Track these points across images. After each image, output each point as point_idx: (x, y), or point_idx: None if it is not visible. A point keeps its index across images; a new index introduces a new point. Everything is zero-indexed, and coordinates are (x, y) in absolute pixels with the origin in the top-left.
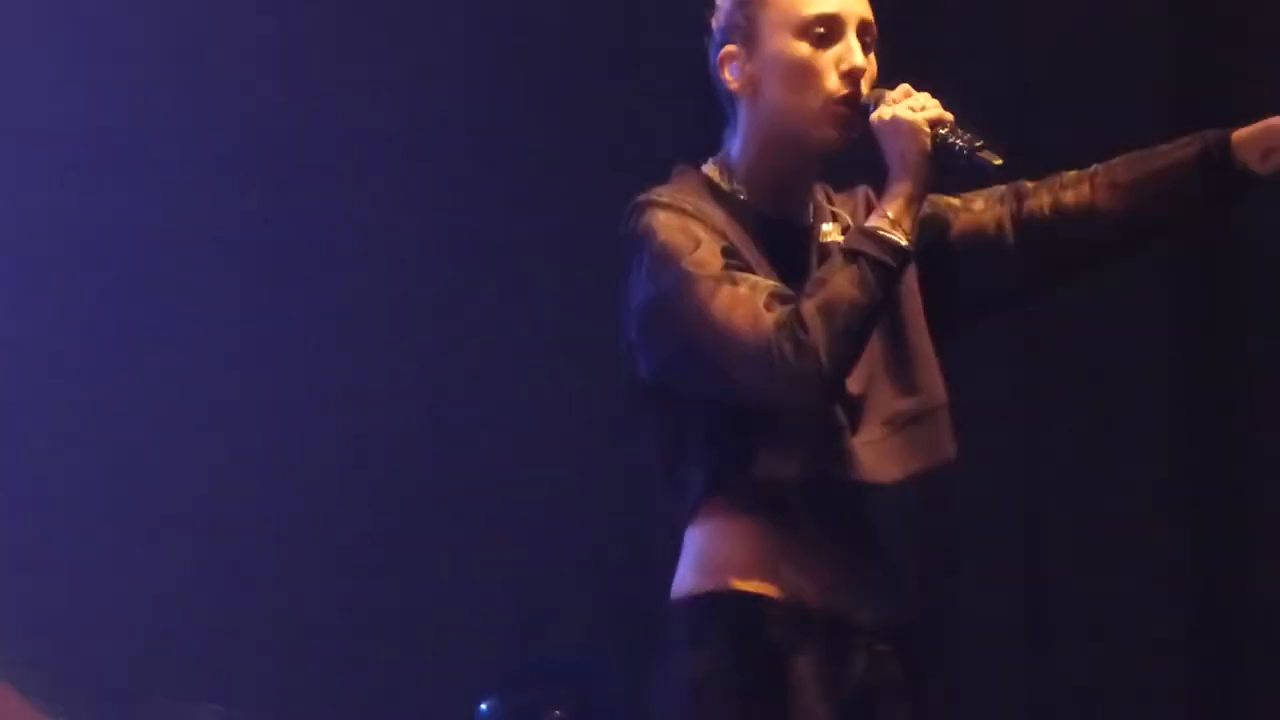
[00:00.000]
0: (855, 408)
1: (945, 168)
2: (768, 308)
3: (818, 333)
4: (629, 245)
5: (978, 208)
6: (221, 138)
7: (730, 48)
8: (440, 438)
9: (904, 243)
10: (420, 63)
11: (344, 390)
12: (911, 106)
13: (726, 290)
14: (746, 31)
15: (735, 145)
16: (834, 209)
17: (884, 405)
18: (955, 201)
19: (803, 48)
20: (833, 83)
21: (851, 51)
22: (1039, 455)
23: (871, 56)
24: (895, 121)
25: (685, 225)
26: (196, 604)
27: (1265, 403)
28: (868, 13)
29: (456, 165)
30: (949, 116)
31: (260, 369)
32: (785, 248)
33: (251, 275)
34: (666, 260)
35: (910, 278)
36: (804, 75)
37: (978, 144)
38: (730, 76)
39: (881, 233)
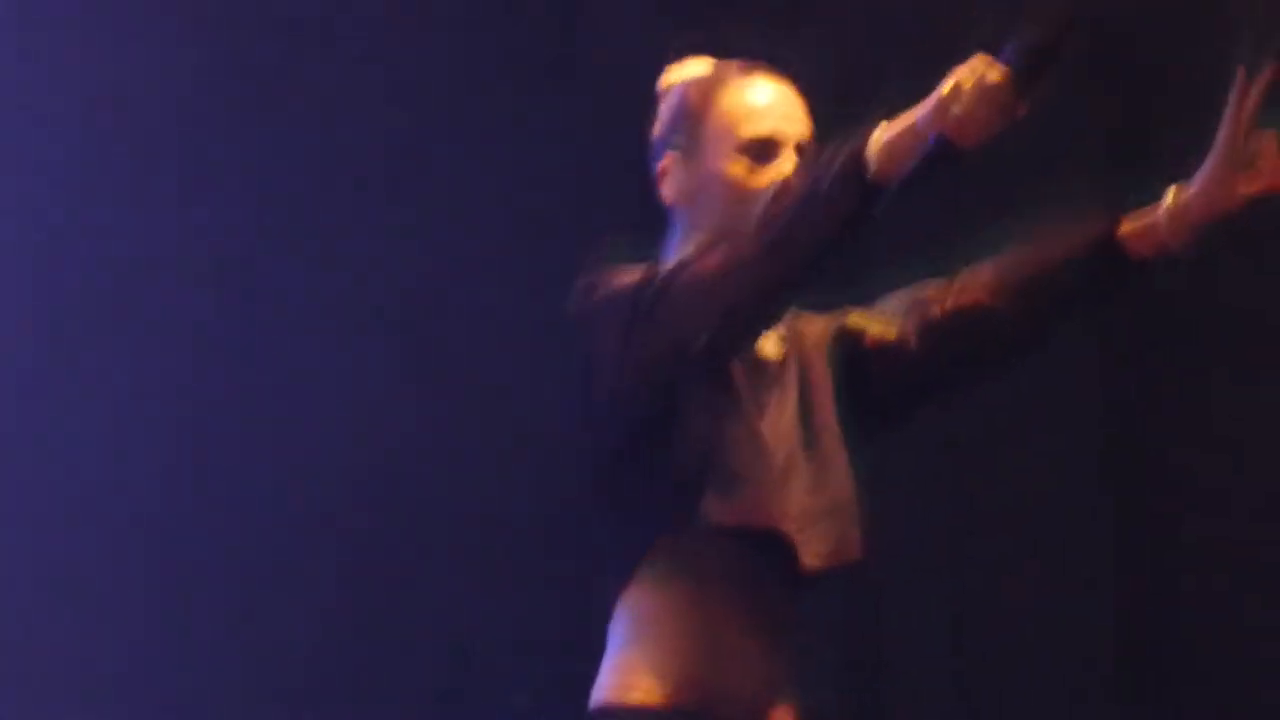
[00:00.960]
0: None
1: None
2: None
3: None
4: (589, 317)
5: (881, 319)
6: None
7: (668, 160)
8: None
9: (866, 148)
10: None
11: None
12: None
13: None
14: (685, 145)
15: (670, 254)
16: (784, 328)
17: (799, 498)
18: (858, 315)
19: (740, 166)
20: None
21: (790, 171)
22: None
23: None
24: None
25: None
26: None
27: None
28: (806, 130)
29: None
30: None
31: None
32: None
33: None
34: (624, 287)
35: (824, 384)
36: (739, 196)
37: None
38: (668, 188)
39: (849, 148)
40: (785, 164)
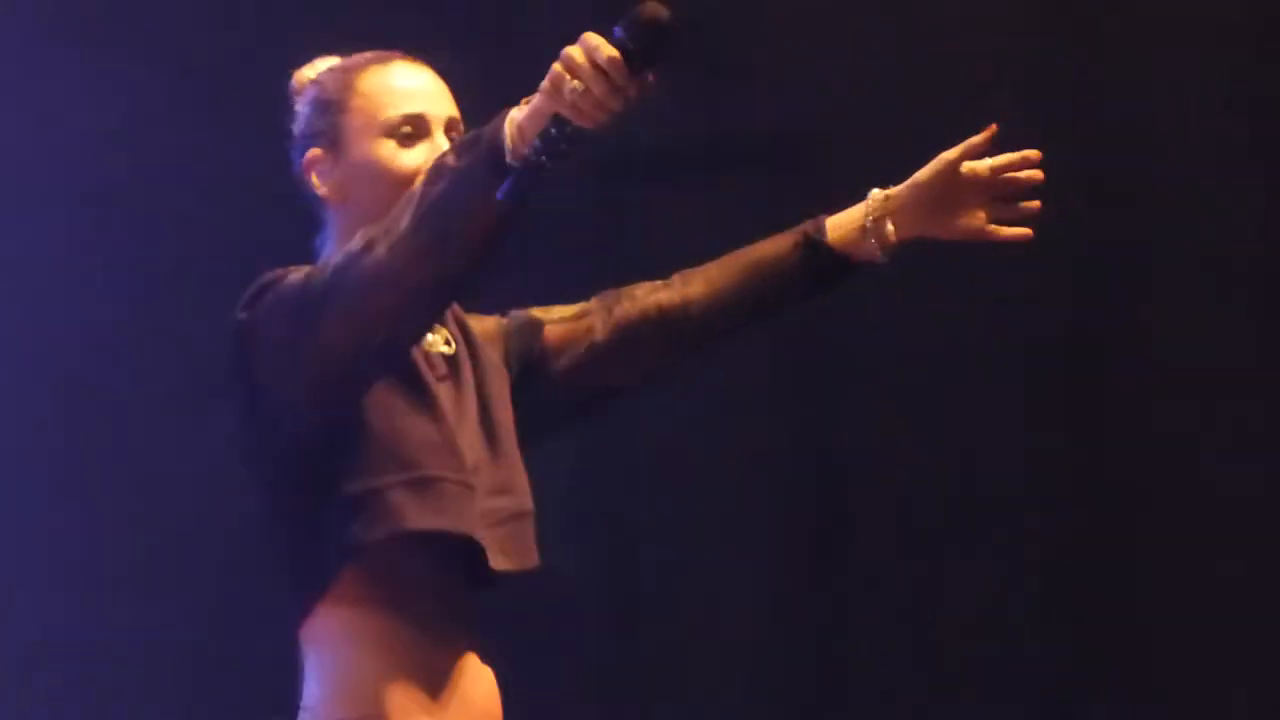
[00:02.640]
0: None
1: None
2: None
3: (393, 231)
4: (255, 324)
5: (563, 315)
6: None
7: (315, 152)
8: None
9: (506, 141)
10: None
11: None
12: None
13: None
14: (330, 136)
15: (329, 251)
16: (450, 320)
17: (483, 499)
18: (538, 311)
19: (388, 148)
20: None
21: (437, 152)
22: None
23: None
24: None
25: None
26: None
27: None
28: (453, 109)
29: None
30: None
31: None
32: None
33: None
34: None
35: (500, 384)
36: (391, 178)
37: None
38: (318, 182)
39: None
40: (435, 144)
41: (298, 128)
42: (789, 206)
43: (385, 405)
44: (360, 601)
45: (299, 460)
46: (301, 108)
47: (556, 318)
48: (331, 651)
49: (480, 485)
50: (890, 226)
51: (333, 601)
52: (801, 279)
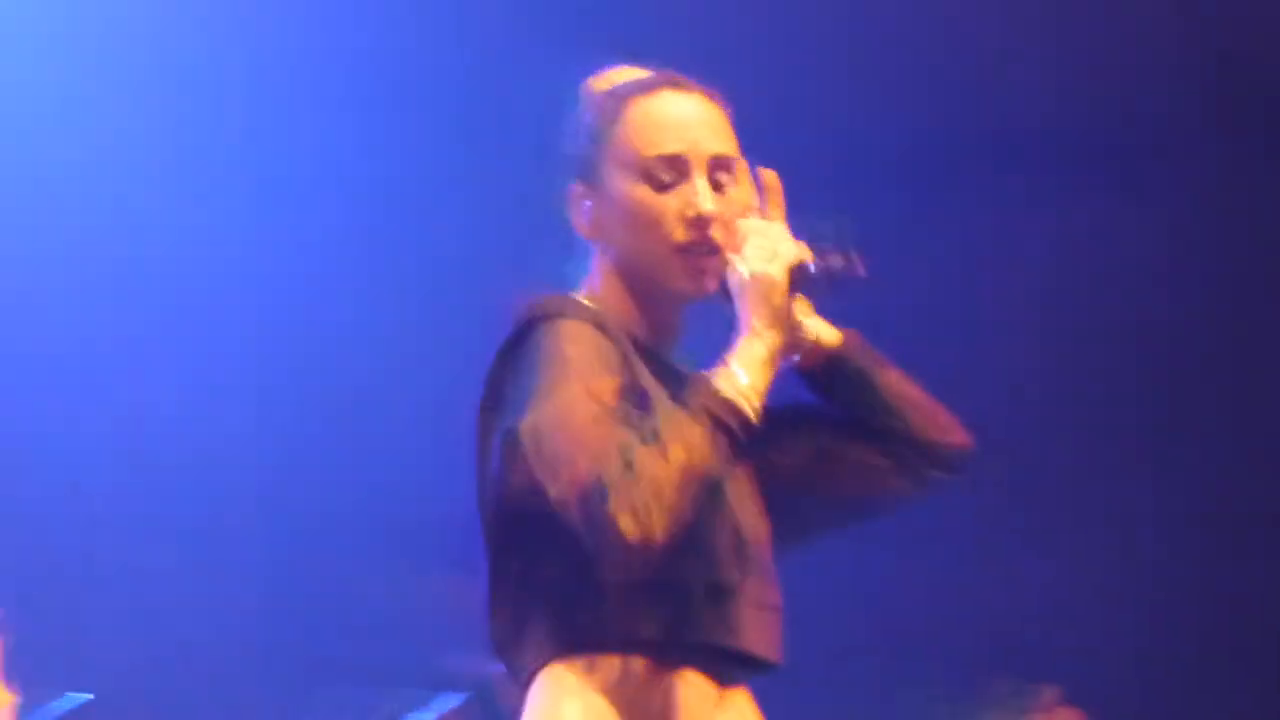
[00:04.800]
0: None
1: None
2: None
3: (643, 499)
4: (514, 360)
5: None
6: None
7: (576, 185)
8: None
9: (750, 414)
10: None
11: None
12: (763, 257)
13: (605, 423)
14: (592, 168)
15: (597, 280)
16: None
17: (756, 587)
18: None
19: (642, 191)
20: (677, 232)
21: (696, 196)
22: None
23: (739, 188)
24: (749, 282)
25: (594, 342)
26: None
27: None
28: (722, 146)
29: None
30: (806, 255)
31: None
32: (669, 384)
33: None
34: (562, 376)
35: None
36: (645, 222)
37: (841, 263)
38: (576, 215)
39: (728, 396)
40: (694, 186)
41: (566, 147)
42: None
43: None
44: (571, 691)
45: (510, 524)
46: (575, 126)
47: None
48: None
49: (752, 573)
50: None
51: (545, 684)
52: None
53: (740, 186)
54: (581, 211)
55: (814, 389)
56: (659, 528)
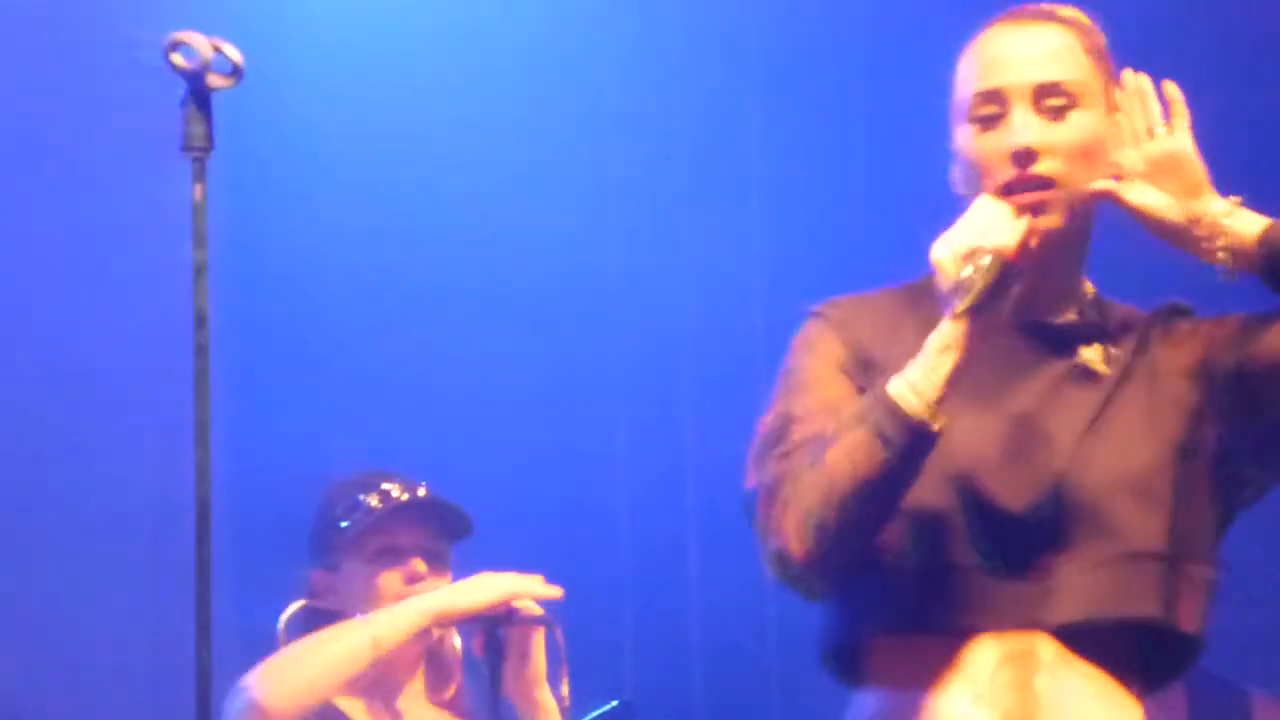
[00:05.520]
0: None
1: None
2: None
3: (795, 511)
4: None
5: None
6: None
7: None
8: None
9: (921, 415)
10: None
11: None
12: (954, 237)
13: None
14: (950, 121)
15: None
16: (1105, 328)
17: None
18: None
19: (967, 134)
20: (1002, 171)
21: (1014, 131)
22: None
23: (1074, 116)
24: (933, 261)
25: (823, 344)
26: None
27: None
28: (1050, 72)
29: None
30: (988, 247)
31: None
32: (1020, 355)
33: None
34: (781, 391)
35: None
36: (972, 166)
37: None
38: (952, 174)
39: (895, 398)
40: (1013, 122)
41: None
42: None
43: None
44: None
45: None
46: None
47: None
48: None
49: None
50: None
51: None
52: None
53: (1088, 113)
54: (952, 169)
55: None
56: (809, 543)
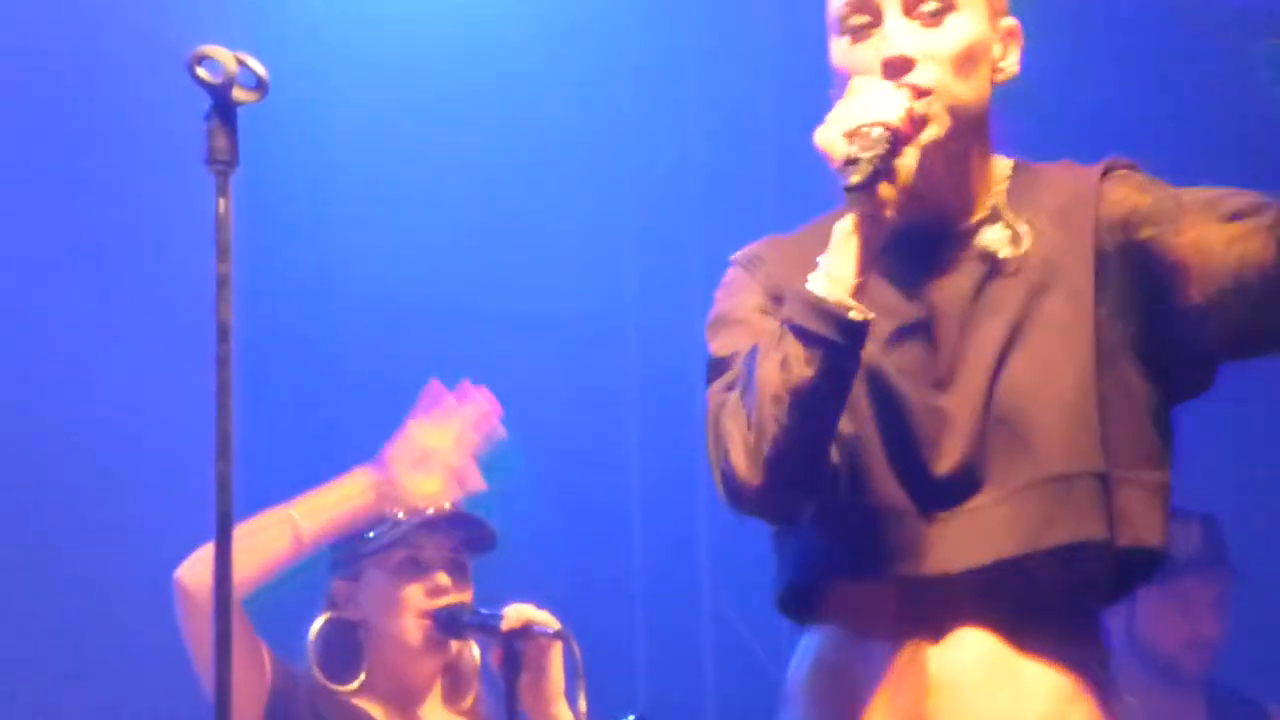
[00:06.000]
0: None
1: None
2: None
3: (737, 437)
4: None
5: (1203, 235)
6: None
7: None
8: None
9: (839, 300)
10: None
11: None
12: (834, 119)
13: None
14: (828, 38)
15: None
16: (1014, 210)
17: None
18: (1169, 208)
19: (841, 47)
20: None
21: (886, 40)
22: None
23: (951, 20)
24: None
25: (737, 293)
26: None
27: None
28: None
29: None
30: (873, 120)
31: None
32: (927, 254)
33: None
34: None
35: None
36: (846, 82)
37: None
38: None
39: (811, 290)
40: (887, 30)
41: None
42: None
43: None
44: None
45: None
46: None
47: (1189, 228)
48: None
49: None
50: None
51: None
52: None
53: (967, 16)
54: (832, 91)
55: None
56: (757, 465)
